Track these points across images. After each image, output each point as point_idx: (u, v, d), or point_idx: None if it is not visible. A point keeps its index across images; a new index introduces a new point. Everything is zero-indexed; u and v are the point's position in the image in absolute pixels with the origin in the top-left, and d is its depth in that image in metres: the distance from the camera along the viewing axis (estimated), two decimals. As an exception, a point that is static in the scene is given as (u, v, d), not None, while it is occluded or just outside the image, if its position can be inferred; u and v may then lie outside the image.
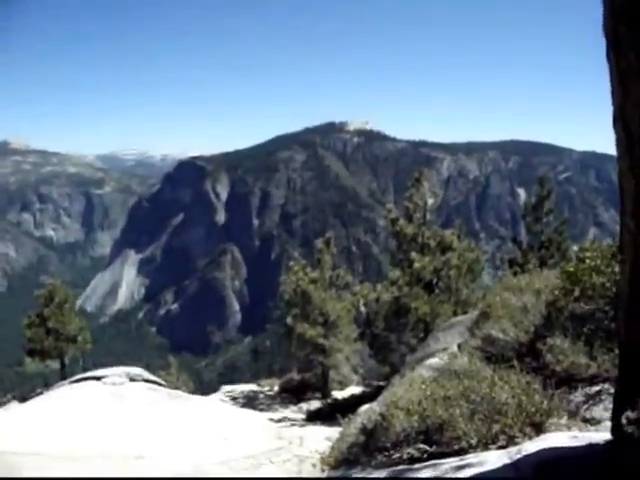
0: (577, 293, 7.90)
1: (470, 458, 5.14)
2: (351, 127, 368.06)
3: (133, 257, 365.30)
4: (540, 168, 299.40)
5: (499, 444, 5.50)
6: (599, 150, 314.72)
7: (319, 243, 29.63)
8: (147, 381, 27.03)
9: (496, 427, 5.63)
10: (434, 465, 5.33)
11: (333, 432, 16.84)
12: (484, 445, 5.56)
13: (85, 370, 31.74)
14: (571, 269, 8.22)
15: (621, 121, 3.95)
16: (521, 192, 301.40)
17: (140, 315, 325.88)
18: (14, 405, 27.57)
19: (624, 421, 3.83)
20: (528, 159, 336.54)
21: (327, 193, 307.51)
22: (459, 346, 10.04)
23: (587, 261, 7.98)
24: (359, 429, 7.70)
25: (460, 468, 4.85)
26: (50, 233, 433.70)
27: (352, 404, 21.97)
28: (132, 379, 26.52)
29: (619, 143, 4.01)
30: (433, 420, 6.03)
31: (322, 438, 16.20)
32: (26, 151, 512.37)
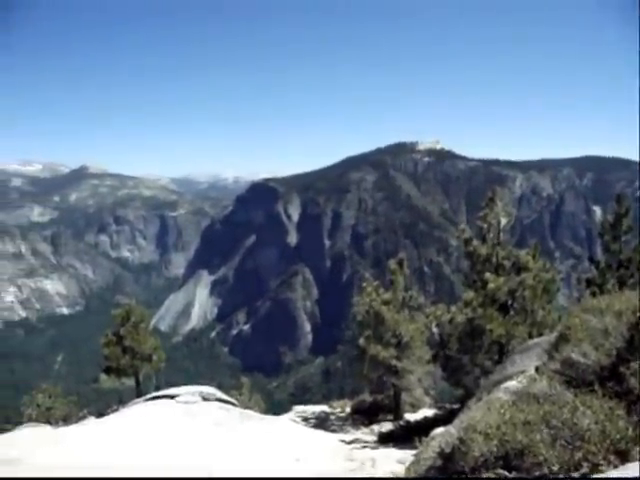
0: (662, 315, 7.62)
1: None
2: (422, 147, 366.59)
3: (206, 278, 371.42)
4: (616, 185, 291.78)
5: (582, 471, 5.33)
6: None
7: (392, 264, 29.47)
8: (220, 400, 27.34)
9: (579, 454, 5.45)
10: (515, 492, 5.21)
11: (406, 455, 16.65)
12: (566, 472, 5.39)
13: (158, 388, 32.35)
14: (655, 290, 7.94)
15: None
16: (597, 210, 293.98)
17: (212, 335, 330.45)
18: (91, 420, 28.31)
19: None
20: (603, 175, 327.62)
21: (398, 213, 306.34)
22: (537, 369, 9.78)
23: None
24: (437, 452, 7.57)
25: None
26: (126, 254, 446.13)
27: (425, 427, 21.69)
28: (205, 398, 26.87)
29: None
30: (513, 445, 5.88)
31: (394, 460, 16.03)
32: (103, 175, 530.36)
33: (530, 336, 22.31)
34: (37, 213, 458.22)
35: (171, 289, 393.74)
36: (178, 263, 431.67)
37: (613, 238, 29.15)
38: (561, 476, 5.36)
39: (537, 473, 5.52)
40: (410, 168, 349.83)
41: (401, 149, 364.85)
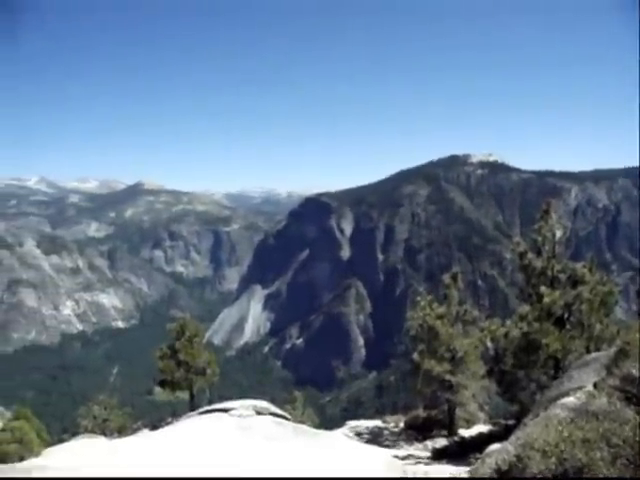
0: None
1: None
2: (474, 159, 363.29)
3: (259, 292, 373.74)
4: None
5: (645, 491, 5.15)
6: None
7: (446, 278, 29.21)
8: (273, 414, 27.44)
9: (641, 473, 5.28)
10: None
11: (459, 471, 16.38)
12: (628, 491, 5.22)
13: (211, 402, 32.66)
14: None
15: None
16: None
17: (266, 349, 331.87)
18: (145, 432, 28.69)
19: None
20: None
21: (452, 227, 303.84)
22: (595, 385, 9.54)
23: None
24: (493, 469, 7.40)
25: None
26: (180, 269, 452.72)
27: (479, 443, 21.38)
28: (259, 412, 27.00)
29: None
30: (572, 463, 5.71)
31: (448, 476, 15.81)
32: (158, 191, 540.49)
33: (587, 351, 21.86)
34: (94, 229, 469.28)
35: (225, 303, 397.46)
36: (231, 278, 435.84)
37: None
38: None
39: (598, 492, 5.36)
40: (463, 181, 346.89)
41: (454, 162, 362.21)
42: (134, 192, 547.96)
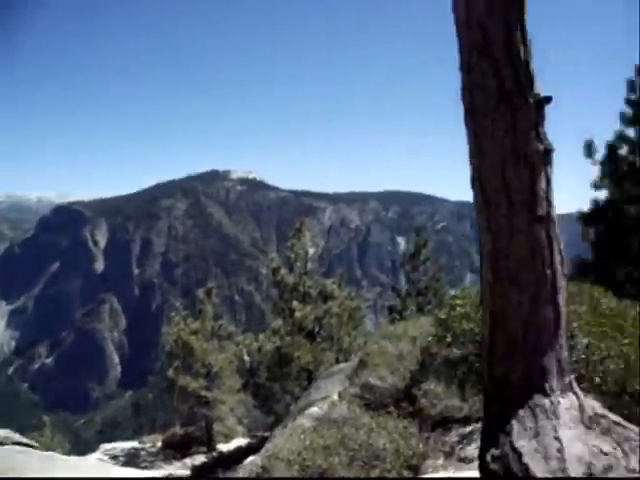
0: (449, 339, 8.29)
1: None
2: (234, 175, 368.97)
3: (3, 308, 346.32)
4: (418, 217, 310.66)
5: (378, 489, 5.67)
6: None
7: (200, 293, 29.40)
8: (17, 444, 25.65)
9: (375, 472, 5.80)
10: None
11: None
12: (363, 491, 5.71)
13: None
14: (443, 316, 8.63)
15: (478, 181, 4.39)
16: (401, 241, 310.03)
17: (10, 370, 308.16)
18: None
19: (489, 459, 4.09)
20: (407, 209, 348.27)
21: (209, 241, 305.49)
22: (339, 394, 10.22)
23: (458, 308, 8.41)
24: (241, 484, 7.70)
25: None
26: None
27: (237, 457, 21.71)
28: (0, 442, 25.11)
29: (476, 201, 4.44)
30: (313, 470, 6.13)
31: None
32: None
33: (337, 362, 23.08)
34: None
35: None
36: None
37: (413, 268, 31.10)
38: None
39: (335, 496, 5.80)
40: (222, 196, 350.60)
41: (213, 177, 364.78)
42: None
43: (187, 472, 24.22)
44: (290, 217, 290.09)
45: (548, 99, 4.39)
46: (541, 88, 4.37)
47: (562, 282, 4.41)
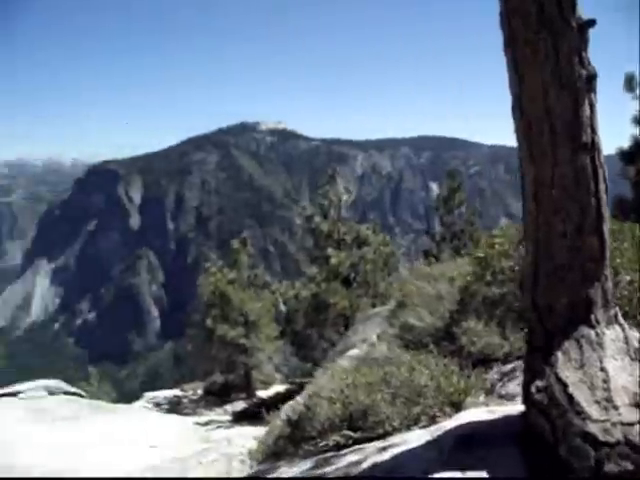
0: (488, 277, 8.23)
1: (393, 439, 5.32)
2: (264, 127, 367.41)
3: (45, 267, 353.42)
4: (451, 162, 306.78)
5: (421, 425, 5.70)
6: (508, 144, 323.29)
7: (235, 243, 29.54)
8: (67, 393, 26.38)
9: (417, 409, 5.82)
10: (359, 449, 5.49)
11: (260, 431, 16.86)
12: (406, 427, 5.75)
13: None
14: (481, 254, 8.55)
15: (519, 109, 4.27)
16: (434, 186, 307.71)
17: (56, 327, 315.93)
18: None
19: (533, 390, 4.07)
20: (439, 154, 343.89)
21: (242, 194, 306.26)
22: (378, 336, 10.26)
23: (496, 246, 8.32)
24: (284, 421, 7.79)
25: (384, 449, 5.01)
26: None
27: (277, 402, 22.06)
28: (51, 392, 25.80)
29: (517, 130, 4.33)
30: (356, 407, 6.18)
31: (250, 437, 16.18)
32: None
33: (373, 307, 23.18)
34: None
35: (8, 280, 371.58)
36: (14, 252, 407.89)
37: (447, 212, 30.85)
38: (402, 431, 5.71)
39: (380, 431, 5.85)
40: (253, 148, 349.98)
41: (243, 129, 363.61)
42: None
43: (228, 417, 24.70)
44: (321, 166, 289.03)
45: (591, 23, 4.21)
46: (583, 11, 4.21)
47: (607, 212, 4.31)
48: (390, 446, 4.98)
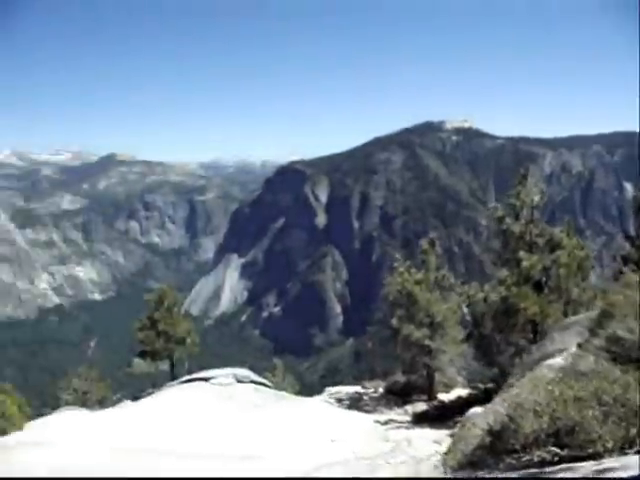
0: None
1: (610, 462, 4.87)
2: (449, 126, 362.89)
3: (235, 261, 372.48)
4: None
5: (637, 449, 5.19)
6: None
7: (424, 243, 29.28)
8: (254, 382, 27.50)
9: (633, 430, 5.31)
10: (571, 468, 5.09)
11: (440, 434, 16.57)
12: (620, 450, 5.26)
13: (190, 372, 32.62)
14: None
15: None
16: (628, 186, 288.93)
17: (243, 318, 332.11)
18: (127, 403, 28.65)
19: None
20: (634, 152, 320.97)
21: (427, 193, 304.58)
22: (580, 346, 9.61)
23: None
24: (485, 430, 7.43)
25: (601, 472, 4.59)
26: (156, 240, 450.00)
27: (459, 407, 21.60)
28: (239, 380, 27.04)
29: None
30: (564, 422, 5.75)
31: (430, 440, 15.94)
32: (132, 162, 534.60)
33: (565, 314, 22.10)
34: (68, 201, 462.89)
35: (201, 273, 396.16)
36: (207, 247, 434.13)
37: (647, 214, 28.71)
38: (615, 454, 5.23)
39: (590, 450, 5.40)
40: (438, 147, 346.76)
41: (428, 128, 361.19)
42: (107, 163, 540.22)
43: (408, 418, 24.55)
44: (508, 165, 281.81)
45: None
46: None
47: None
48: (608, 470, 4.55)
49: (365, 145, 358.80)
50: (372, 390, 33.67)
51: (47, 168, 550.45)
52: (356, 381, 41.18)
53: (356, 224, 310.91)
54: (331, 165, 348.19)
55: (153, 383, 36.39)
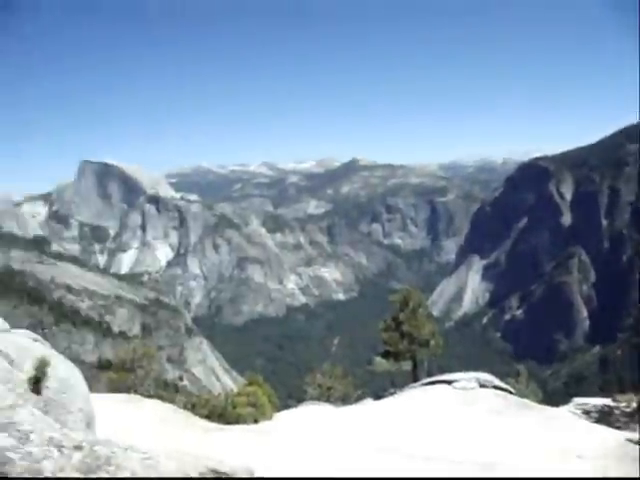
0: None
1: None
2: None
3: (477, 262, 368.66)
4: None
5: None
6: None
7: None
8: (497, 388, 27.13)
9: None
10: None
11: None
12: None
13: (430, 373, 32.95)
14: None
15: None
16: None
17: (484, 320, 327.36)
18: (369, 402, 29.68)
19: None
20: None
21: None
22: None
23: None
24: None
25: None
26: (397, 241, 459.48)
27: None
28: (482, 385, 26.82)
29: None
30: None
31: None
32: (373, 166, 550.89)
33: None
34: (313, 206, 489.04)
35: (443, 274, 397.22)
36: (449, 248, 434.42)
37: None
38: None
39: None
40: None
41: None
42: (349, 169, 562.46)
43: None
44: None
45: None
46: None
47: None
48: None
49: (612, 136, 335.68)
50: (624, 404, 31.61)
51: (293, 176, 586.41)
52: (602, 392, 39.03)
53: (604, 222, 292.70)
54: (575, 160, 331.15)
55: (392, 382, 37.26)
